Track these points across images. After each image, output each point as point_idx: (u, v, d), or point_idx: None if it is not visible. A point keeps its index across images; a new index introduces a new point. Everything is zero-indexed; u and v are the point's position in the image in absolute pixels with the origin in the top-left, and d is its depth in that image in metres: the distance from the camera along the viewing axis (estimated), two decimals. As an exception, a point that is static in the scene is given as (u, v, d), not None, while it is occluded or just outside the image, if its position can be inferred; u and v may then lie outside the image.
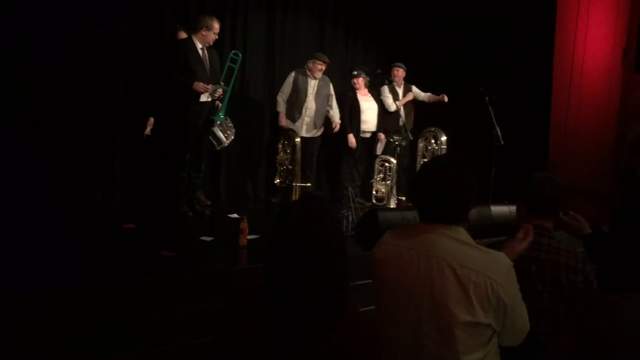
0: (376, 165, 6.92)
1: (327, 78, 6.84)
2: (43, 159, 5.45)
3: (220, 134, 5.87)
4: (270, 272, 1.51)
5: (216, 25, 5.59)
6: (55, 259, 3.99)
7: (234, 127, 6.06)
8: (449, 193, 1.89)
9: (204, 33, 5.54)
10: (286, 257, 1.47)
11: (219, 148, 6.01)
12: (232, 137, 6.02)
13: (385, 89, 7.25)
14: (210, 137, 5.85)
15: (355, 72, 7.05)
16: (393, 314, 1.94)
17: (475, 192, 1.94)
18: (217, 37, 5.68)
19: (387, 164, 6.83)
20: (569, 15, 7.34)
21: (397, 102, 7.19)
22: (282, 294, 1.46)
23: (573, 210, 2.67)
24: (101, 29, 5.79)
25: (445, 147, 7.20)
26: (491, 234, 4.19)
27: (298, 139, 6.39)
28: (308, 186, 6.48)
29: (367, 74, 7.06)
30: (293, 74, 6.69)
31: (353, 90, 7.05)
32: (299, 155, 6.36)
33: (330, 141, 7.21)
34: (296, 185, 6.32)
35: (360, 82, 7.01)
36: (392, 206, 6.65)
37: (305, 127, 6.70)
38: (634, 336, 0.93)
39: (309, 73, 6.67)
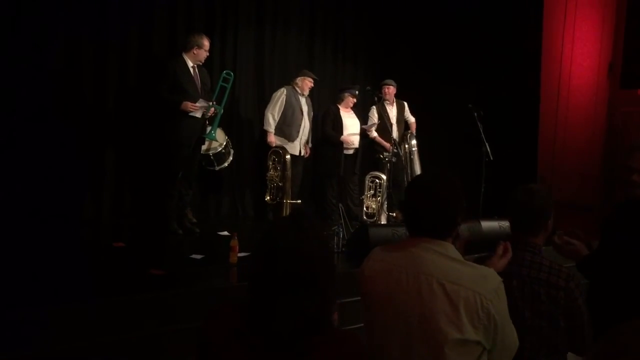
0: (366, 182, 6.92)
1: (308, 97, 6.86)
2: (32, 174, 5.42)
3: (223, 155, 6.04)
4: (253, 289, 1.49)
5: (206, 43, 5.65)
6: (43, 277, 3.96)
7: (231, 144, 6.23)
8: (437, 207, 1.89)
9: (195, 52, 5.60)
10: (269, 273, 1.45)
11: (218, 168, 6.11)
12: (231, 158, 6.18)
13: (374, 110, 7.18)
14: (212, 157, 5.92)
15: (357, 92, 7.03)
16: (382, 332, 1.93)
17: (463, 207, 1.94)
18: (208, 54, 5.73)
19: (377, 180, 6.84)
20: (555, 31, 7.43)
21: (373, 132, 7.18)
22: (265, 311, 1.44)
23: (563, 226, 2.67)
24: (90, 46, 5.79)
25: (415, 149, 7.34)
26: (482, 249, 4.19)
27: (288, 156, 6.39)
28: (299, 203, 6.47)
29: (353, 95, 7.03)
30: (285, 91, 6.62)
31: (335, 106, 7.01)
32: (289, 172, 6.36)
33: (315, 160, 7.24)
34: (287, 202, 6.31)
35: (350, 100, 6.99)
36: (382, 222, 6.65)
37: (301, 146, 6.74)
38: None
39: (298, 90, 6.66)
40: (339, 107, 7.00)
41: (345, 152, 7.00)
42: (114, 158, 6.05)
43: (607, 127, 7.38)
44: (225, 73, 6.02)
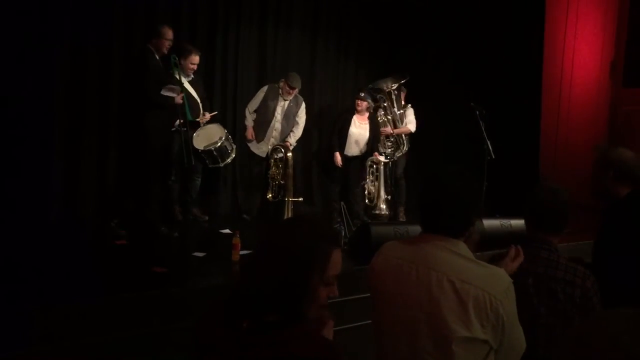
0: (367, 167, 6.90)
1: (300, 99, 6.69)
2: (32, 172, 5.42)
3: (229, 150, 5.97)
4: (241, 278, 1.60)
5: (165, 32, 5.55)
6: (46, 275, 3.97)
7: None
8: (453, 205, 1.89)
9: (154, 40, 5.55)
10: (255, 264, 1.58)
11: (222, 164, 6.05)
12: (234, 155, 6.10)
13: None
14: (215, 152, 5.85)
15: (362, 94, 6.85)
16: (390, 327, 1.93)
17: (479, 207, 1.95)
18: (171, 44, 5.64)
19: (375, 165, 6.82)
20: (557, 29, 7.43)
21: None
22: (247, 297, 1.52)
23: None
24: (94, 47, 5.78)
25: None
26: (483, 247, 4.20)
27: (290, 154, 6.36)
28: (300, 201, 6.46)
29: (373, 100, 6.91)
30: (265, 88, 6.54)
31: (351, 112, 6.89)
32: (291, 170, 6.33)
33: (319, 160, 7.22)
34: (289, 200, 6.30)
35: (363, 105, 6.82)
36: (382, 207, 6.67)
37: (269, 150, 6.58)
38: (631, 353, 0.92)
39: (280, 91, 6.52)
40: (355, 112, 6.85)
41: (350, 155, 6.94)
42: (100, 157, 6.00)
43: (609, 126, 7.37)
44: (172, 57, 5.76)
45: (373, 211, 6.89)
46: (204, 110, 6.15)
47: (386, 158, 6.87)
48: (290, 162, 6.33)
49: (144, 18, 6.10)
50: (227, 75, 6.93)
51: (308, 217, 1.67)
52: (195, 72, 6.08)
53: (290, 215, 6.15)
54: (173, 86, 5.52)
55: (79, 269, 4.25)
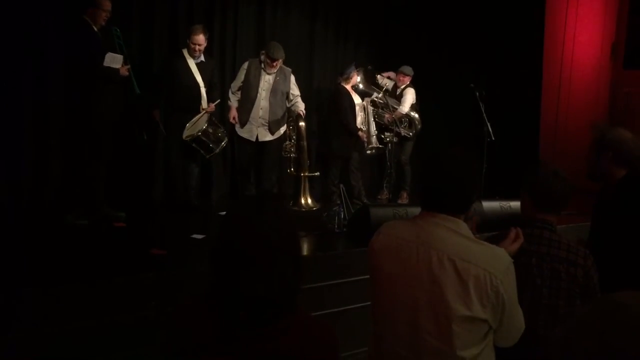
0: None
1: (287, 71, 6.21)
2: (30, 154, 5.41)
3: (210, 143, 5.69)
4: (215, 269, 1.48)
5: (101, 2, 5.12)
6: (43, 257, 3.97)
7: (226, 131, 5.92)
8: (453, 183, 1.89)
9: (90, 10, 5.11)
10: (228, 253, 1.45)
11: (208, 157, 5.84)
12: (224, 144, 5.81)
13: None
14: (197, 146, 5.66)
15: (358, 68, 6.82)
16: (390, 307, 1.93)
17: (478, 185, 1.95)
18: (109, 15, 5.21)
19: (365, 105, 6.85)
20: (558, 10, 7.38)
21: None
22: (225, 293, 1.43)
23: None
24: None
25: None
26: (483, 229, 4.19)
27: (302, 123, 6.02)
28: (316, 175, 6.29)
29: (358, 71, 6.90)
30: (246, 65, 6.07)
31: (344, 87, 6.80)
32: (304, 142, 5.97)
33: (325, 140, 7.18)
34: (304, 175, 5.99)
35: (356, 77, 6.82)
36: (372, 140, 6.80)
37: (258, 133, 6.13)
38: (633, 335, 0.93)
39: (262, 65, 6.01)
40: (347, 87, 6.79)
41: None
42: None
43: (609, 108, 7.36)
44: (114, 29, 5.42)
45: (366, 148, 6.87)
46: (208, 98, 5.87)
47: (385, 139, 6.87)
48: (303, 133, 5.99)
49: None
50: (225, 57, 6.86)
51: (269, 198, 1.55)
52: (205, 54, 5.82)
53: (307, 192, 5.95)
54: (114, 54, 5.17)
55: (76, 252, 4.25)
